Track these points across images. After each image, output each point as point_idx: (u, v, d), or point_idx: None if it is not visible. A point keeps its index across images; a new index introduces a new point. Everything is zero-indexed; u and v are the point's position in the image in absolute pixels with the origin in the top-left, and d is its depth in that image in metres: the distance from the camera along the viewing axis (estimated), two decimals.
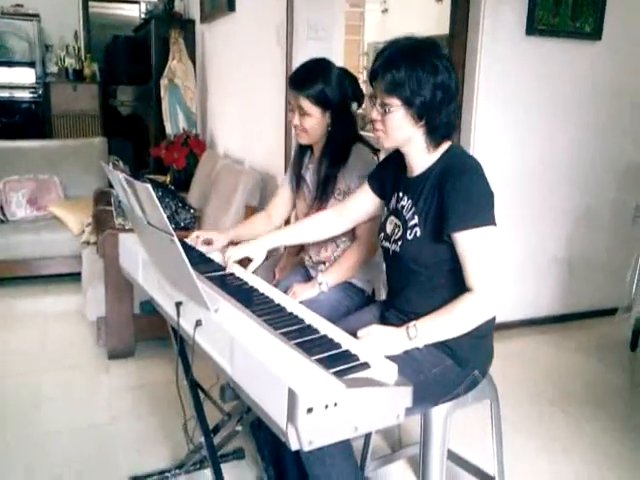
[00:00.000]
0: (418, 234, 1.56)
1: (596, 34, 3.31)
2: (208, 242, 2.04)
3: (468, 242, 1.48)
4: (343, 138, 2.04)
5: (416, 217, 1.58)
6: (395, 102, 1.51)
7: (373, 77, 1.55)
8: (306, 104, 1.98)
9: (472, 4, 3.10)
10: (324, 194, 2.06)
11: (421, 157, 1.60)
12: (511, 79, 3.18)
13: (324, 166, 2.06)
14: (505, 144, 3.26)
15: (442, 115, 1.52)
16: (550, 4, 3.16)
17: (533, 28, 3.15)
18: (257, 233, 2.21)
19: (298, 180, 2.21)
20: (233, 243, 2.07)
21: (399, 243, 1.61)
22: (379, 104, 1.54)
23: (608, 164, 3.58)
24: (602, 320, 3.71)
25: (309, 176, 2.16)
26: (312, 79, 1.99)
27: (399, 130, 1.55)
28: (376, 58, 1.56)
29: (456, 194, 1.48)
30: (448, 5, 3.31)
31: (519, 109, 3.25)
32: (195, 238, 2.04)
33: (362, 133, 2.19)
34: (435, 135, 1.56)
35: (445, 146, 1.60)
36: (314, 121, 2.01)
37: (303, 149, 2.20)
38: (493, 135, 3.22)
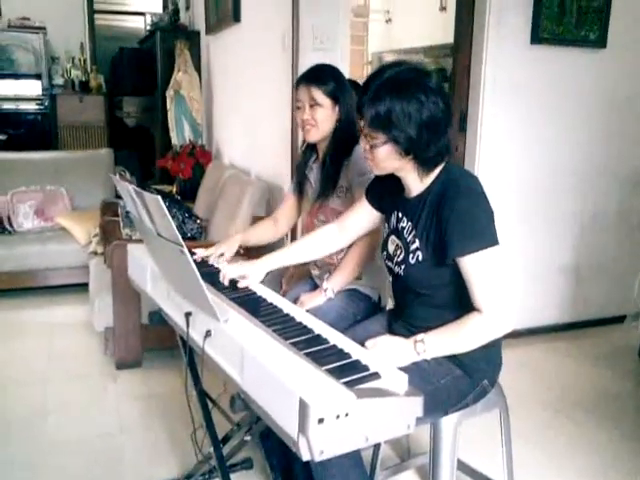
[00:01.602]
0: (420, 258, 1.55)
1: (601, 42, 3.32)
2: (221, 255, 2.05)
3: (472, 266, 1.47)
4: (347, 138, 2.06)
5: (417, 240, 1.56)
6: (380, 137, 1.49)
7: (360, 108, 1.52)
8: (318, 94, 2.03)
9: (476, 13, 3.11)
10: (327, 190, 2.08)
11: (415, 181, 1.59)
12: (516, 87, 3.19)
13: (328, 163, 2.08)
14: (511, 152, 3.27)
15: (430, 150, 1.50)
16: (555, 13, 3.17)
17: (538, 37, 3.15)
18: (263, 239, 2.26)
19: (302, 182, 2.23)
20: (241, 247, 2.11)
21: (402, 267, 1.60)
22: (365, 135, 1.53)
23: (614, 171, 3.57)
24: (610, 328, 3.70)
25: (313, 176, 2.19)
26: (326, 76, 2.06)
27: (386, 162, 1.54)
28: (364, 87, 1.52)
29: (455, 218, 1.46)
30: (452, 14, 3.32)
31: (524, 117, 3.25)
32: (207, 256, 2.04)
33: None
34: (426, 165, 1.54)
35: (440, 167, 1.57)
36: (325, 113, 2.04)
37: (307, 152, 2.22)
38: (499, 143, 3.22)
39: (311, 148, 2.21)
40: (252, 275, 1.80)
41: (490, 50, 3.09)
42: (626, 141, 3.56)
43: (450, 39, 3.34)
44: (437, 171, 1.57)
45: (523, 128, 3.26)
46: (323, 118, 2.04)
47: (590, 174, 3.51)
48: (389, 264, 1.68)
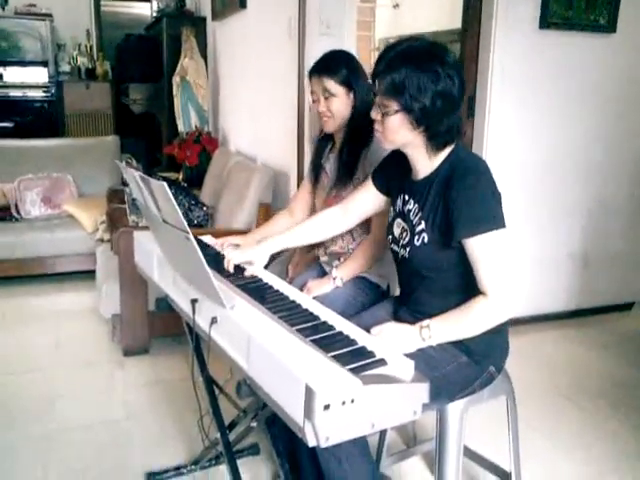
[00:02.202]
0: (426, 240, 1.55)
1: (611, 27, 3.28)
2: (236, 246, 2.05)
3: (478, 248, 1.46)
4: (364, 124, 2.03)
5: (423, 222, 1.56)
6: (393, 106, 1.48)
7: (375, 77, 1.53)
8: (331, 84, 2.01)
9: None
10: (343, 180, 2.07)
11: (423, 161, 1.58)
12: (525, 73, 3.16)
13: (345, 152, 2.07)
14: (519, 138, 3.24)
15: (442, 123, 1.49)
16: None
17: (547, 21, 3.12)
18: (279, 231, 2.24)
19: (318, 171, 2.22)
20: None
21: (407, 249, 1.60)
22: (378, 104, 1.53)
23: (623, 157, 3.54)
24: (618, 315, 3.69)
25: (329, 165, 2.18)
26: (337, 64, 2.04)
27: (397, 133, 1.53)
28: (380, 58, 1.52)
29: (462, 200, 1.46)
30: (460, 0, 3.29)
31: (533, 103, 3.22)
32: (221, 245, 2.03)
33: None
34: (435, 142, 1.53)
35: (449, 149, 1.57)
36: (339, 102, 2.03)
37: (324, 141, 2.21)
38: (507, 129, 3.20)
39: (327, 137, 2.19)
40: (257, 260, 1.79)
41: (498, 35, 3.06)
42: (636, 127, 3.53)
43: (458, 24, 3.30)
44: (446, 153, 1.57)
45: (531, 114, 3.24)
46: (338, 108, 2.03)
47: (599, 160, 3.48)
48: (394, 247, 1.67)
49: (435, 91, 1.45)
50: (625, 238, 3.65)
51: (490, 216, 1.47)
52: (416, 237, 1.57)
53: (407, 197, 1.64)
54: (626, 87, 3.43)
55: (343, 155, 2.08)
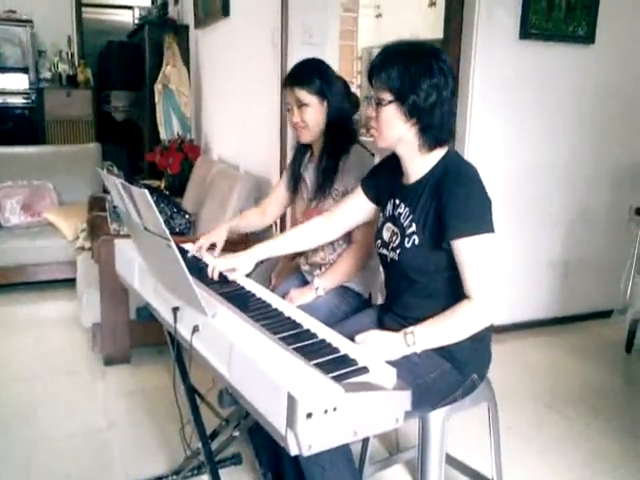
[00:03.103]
0: (417, 242, 1.56)
1: (589, 38, 3.33)
2: (212, 246, 2.04)
3: (466, 250, 1.48)
4: (341, 132, 2.05)
5: (414, 225, 1.57)
6: (387, 96, 1.51)
7: (371, 73, 1.56)
8: (303, 94, 2.01)
9: (466, 9, 3.11)
10: (323, 189, 2.06)
11: (416, 161, 1.60)
12: (505, 83, 3.19)
13: (324, 161, 2.07)
14: (500, 147, 3.27)
15: (435, 116, 1.52)
16: (543, 8, 3.17)
17: (527, 32, 3.16)
18: (251, 225, 2.27)
19: (297, 180, 2.21)
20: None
21: (397, 251, 1.60)
22: (374, 100, 1.56)
23: (603, 166, 3.59)
24: (598, 322, 3.72)
25: (308, 175, 2.17)
26: (309, 74, 2.03)
27: (391, 127, 1.54)
28: (376, 57, 1.57)
29: (454, 202, 1.48)
30: (442, 10, 3.32)
31: (513, 113, 3.26)
32: (199, 249, 2.03)
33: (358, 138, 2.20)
34: (428, 136, 1.55)
35: (442, 152, 1.59)
36: (313, 111, 2.02)
37: (303, 149, 2.20)
38: (488, 139, 3.23)
39: (305, 146, 2.19)
40: (241, 267, 1.79)
41: (479, 45, 3.09)
42: (616, 136, 3.57)
43: (439, 34, 3.33)
44: (438, 156, 1.59)
45: (512, 124, 3.27)
46: (312, 117, 2.03)
47: (579, 169, 3.52)
48: (383, 251, 1.68)
49: (429, 84, 1.48)
50: (604, 247, 3.69)
51: (480, 219, 1.49)
52: (407, 239, 1.58)
53: (398, 201, 1.65)
54: (605, 97, 3.48)
55: (322, 163, 2.08)
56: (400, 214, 1.63)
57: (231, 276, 1.77)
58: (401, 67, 1.49)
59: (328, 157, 2.06)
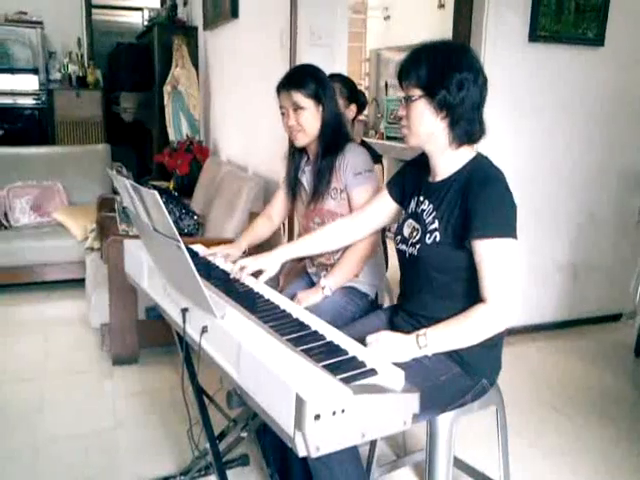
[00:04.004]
0: (437, 239, 1.56)
1: (599, 40, 3.32)
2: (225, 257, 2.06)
3: (487, 251, 1.47)
4: (336, 135, 2.07)
5: (436, 222, 1.57)
6: (417, 92, 1.53)
7: (400, 74, 1.58)
8: (299, 97, 2.02)
9: (475, 11, 3.10)
10: (320, 190, 2.08)
11: (445, 157, 1.60)
12: (514, 85, 3.19)
13: (320, 164, 2.08)
14: (508, 150, 3.26)
15: (465, 110, 1.53)
16: (552, 11, 3.17)
17: (536, 35, 3.15)
18: (263, 236, 2.28)
19: (295, 185, 2.22)
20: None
21: (417, 246, 1.60)
22: (404, 97, 1.57)
23: (611, 169, 3.58)
24: (606, 326, 3.71)
25: (306, 178, 2.18)
26: (304, 78, 2.05)
27: (421, 122, 1.55)
28: (405, 57, 1.59)
29: (481, 202, 1.48)
30: (451, 12, 3.32)
31: (522, 115, 3.25)
32: (212, 254, 2.06)
33: (366, 139, 2.22)
34: (458, 131, 1.56)
35: (471, 154, 1.60)
36: (309, 114, 2.03)
37: (298, 154, 2.21)
38: (496, 141, 3.18)
39: (300, 151, 2.20)
40: (268, 268, 1.82)
41: (488, 48, 3.09)
42: (624, 139, 3.56)
43: (448, 36, 3.32)
44: (467, 157, 1.59)
45: (520, 127, 3.26)
46: (308, 120, 2.04)
47: (588, 172, 3.51)
48: (402, 247, 1.68)
49: (458, 78, 1.50)
50: (613, 250, 3.68)
51: (504, 223, 1.49)
52: (427, 235, 1.58)
53: (422, 198, 1.66)
54: (614, 99, 3.47)
55: (318, 166, 2.09)
56: (423, 210, 1.63)
57: (260, 278, 1.79)
58: (430, 63, 1.51)
59: (324, 162, 2.07)
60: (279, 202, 2.32)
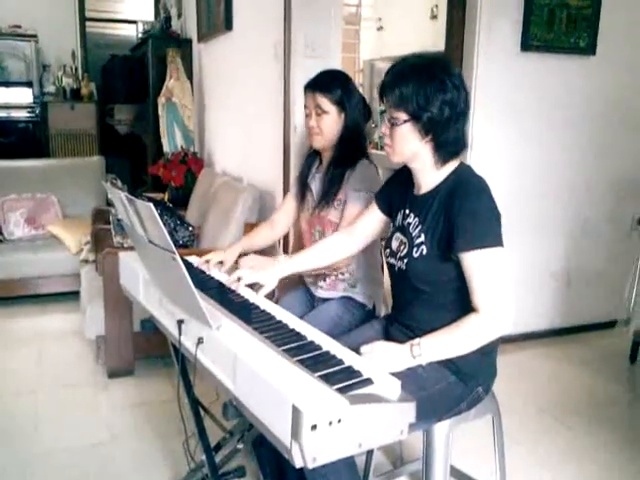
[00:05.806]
0: (424, 252, 1.56)
1: (590, 49, 3.35)
2: (220, 263, 2.05)
3: (474, 262, 1.48)
4: (353, 147, 2.08)
5: (423, 235, 1.58)
6: (402, 116, 1.51)
7: (383, 91, 1.56)
8: (324, 102, 2.04)
9: (467, 21, 3.13)
10: (326, 199, 2.08)
11: (429, 174, 1.60)
12: (506, 94, 3.21)
13: (330, 172, 2.08)
14: (502, 159, 3.28)
15: (450, 132, 1.53)
16: (544, 20, 3.19)
17: (528, 44, 3.18)
18: (263, 244, 2.26)
19: (304, 189, 2.22)
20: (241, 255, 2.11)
21: (405, 260, 1.61)
22: (387, 118, 1.56)
23: (605, 177, 3.60)
24: (601, 333, 3.72)
25: (315, 184, 2.18)
26: (332, 83, 2.06)
27: (406, 144, 1.55)
28: (387, 73, 1.56)
29: (464, 214, 1.48)
30: (443, 22, 3.34)
31: (515, 124, 3.27)
32: (205, 263, 2.04)
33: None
34: (443, 151, 1.56)
35: (454, 164, 1.60)
36: (330, 120, 2.05)
37: (311, 158, 2.22)
38: (489, 151, 3.23)
39: (314, 155, 2.21)
40: (267, 283, 1.79)
41: (481, 57, 3.11)
42: (617, 147, 3.58)
43: (441, 47, 3.35)
44: (450, 168, 1.59)
45: (513, 135, 3.28)
46: (328, 126, 2.06)
47: (581, 181, 3.53)
48: (391, 261, 1.68)
49: (443, 100, 1.49)
50: (607, 257, 3.69)
51: (490, 233, 1.49)
52: (415, 249, 1.58)
53: (407, 211, 1.66)
54: (607, 108, 3.49)
55: (328, 174, 2.09)
56: (409, 224, 1.63)
57: (260, 293, 1.76)
58: (414, 85, 1.48)
59: (335, 169, 2.07)
60: (286, 211, 2.31)
